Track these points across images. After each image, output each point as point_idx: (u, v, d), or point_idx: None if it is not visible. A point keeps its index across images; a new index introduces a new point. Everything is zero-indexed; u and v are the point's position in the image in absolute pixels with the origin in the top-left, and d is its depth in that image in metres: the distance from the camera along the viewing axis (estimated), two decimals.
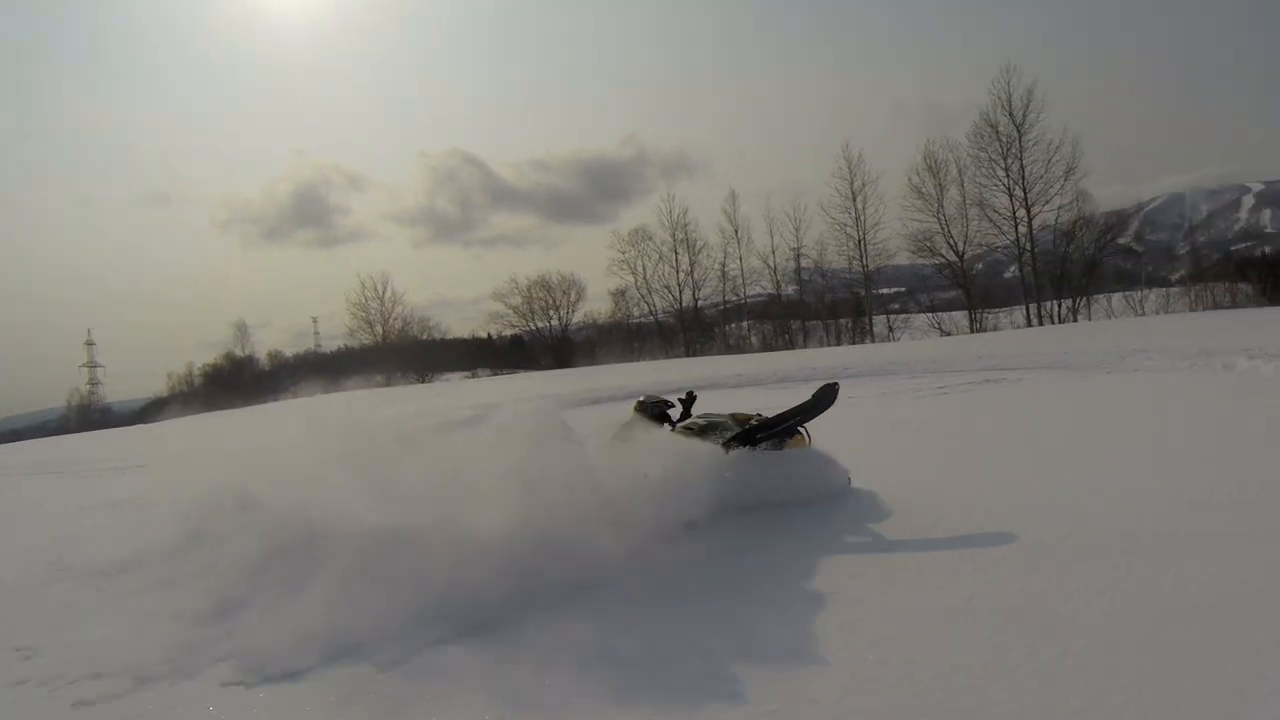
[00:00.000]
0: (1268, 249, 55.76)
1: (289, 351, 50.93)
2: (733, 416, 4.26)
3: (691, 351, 31.32)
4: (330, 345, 47.24)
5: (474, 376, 38.15)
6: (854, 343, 30.01)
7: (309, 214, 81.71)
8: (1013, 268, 29.74)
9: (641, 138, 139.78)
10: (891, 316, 30.56)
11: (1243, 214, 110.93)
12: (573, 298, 35.62)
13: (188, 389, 48.52)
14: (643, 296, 33.28)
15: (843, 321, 30.53)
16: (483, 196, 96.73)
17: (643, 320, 34.09)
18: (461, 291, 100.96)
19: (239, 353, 45.92)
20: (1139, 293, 31.22)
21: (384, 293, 37.70)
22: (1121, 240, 37.41)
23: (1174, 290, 33.22)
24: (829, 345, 30.33)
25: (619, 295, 34.09)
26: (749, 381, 11.70)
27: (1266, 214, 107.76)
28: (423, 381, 37.90)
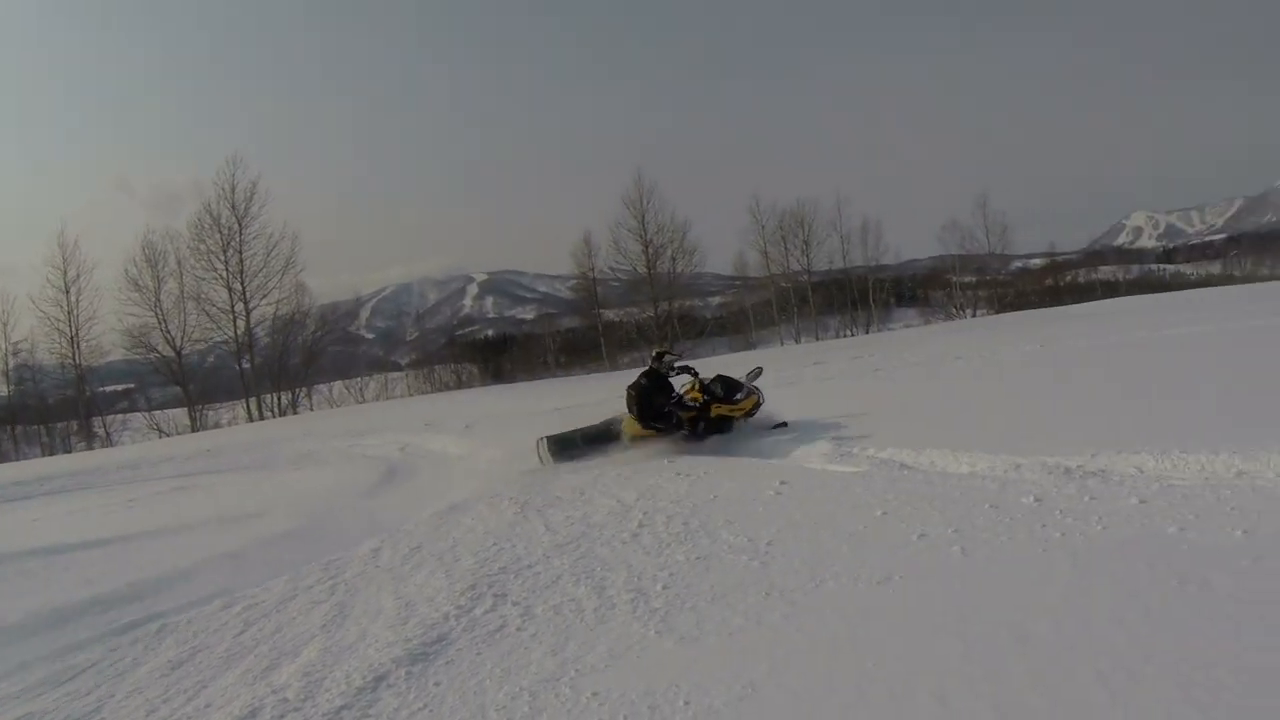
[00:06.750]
0: (490, 332, 68.38)
1: None
2: None
3: None
4: None
5: None
6: (73, 450, 29.54)
7: None
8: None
9: None
10: (108, 419, 31.82)
11: (467, 300, 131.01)
12: None
13: None
14: None
15: (63, 424, 30.91)
16: None
17: None
18: None
19: None
20: (359, 380, 37.94)
21: None
22: (352, 328, 42.43)
23: (395, 375, 39.97)
24: (51, 453, 29.26)
25: None
26: None
27: (489, 300, 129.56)
28: None
